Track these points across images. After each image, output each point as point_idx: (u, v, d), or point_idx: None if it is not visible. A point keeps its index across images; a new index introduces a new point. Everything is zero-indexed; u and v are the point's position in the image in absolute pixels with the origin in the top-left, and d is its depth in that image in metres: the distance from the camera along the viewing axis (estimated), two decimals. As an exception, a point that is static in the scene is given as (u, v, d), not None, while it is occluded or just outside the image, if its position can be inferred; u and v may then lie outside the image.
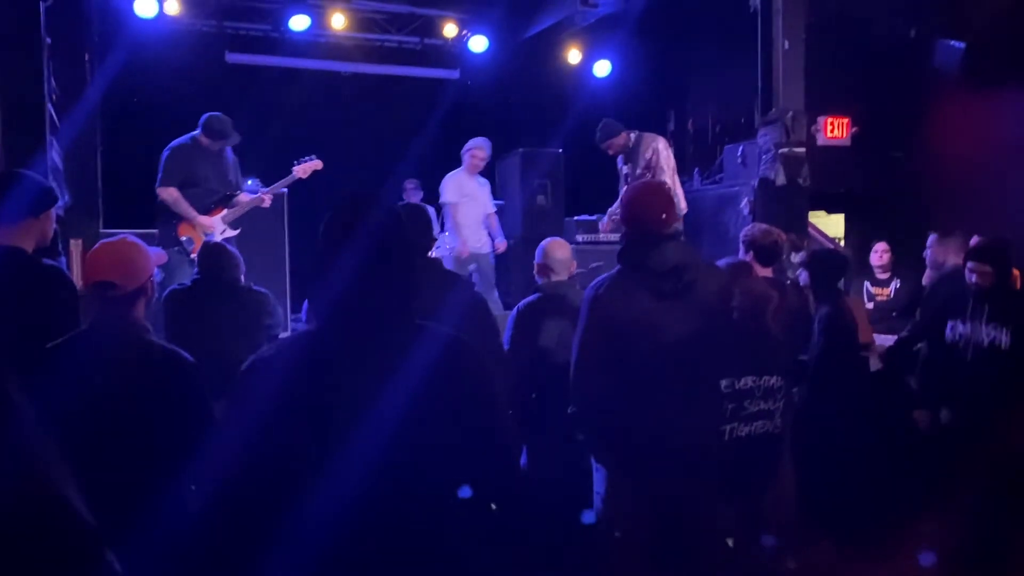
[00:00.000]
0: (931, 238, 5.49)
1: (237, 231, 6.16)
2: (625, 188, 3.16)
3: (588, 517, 3.46)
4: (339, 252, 1.76)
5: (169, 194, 5.89)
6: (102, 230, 6.69)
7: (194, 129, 6.01)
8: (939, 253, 5.40)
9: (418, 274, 1.90)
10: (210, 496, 1.77)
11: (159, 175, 5.93)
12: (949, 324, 4.34)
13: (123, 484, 2.19)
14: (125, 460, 2.34)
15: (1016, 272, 5.76)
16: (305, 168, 6.34)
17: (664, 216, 3.09)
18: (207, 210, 6.02)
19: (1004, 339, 4.11)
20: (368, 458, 1.63)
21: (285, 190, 7.23)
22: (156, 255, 4.91)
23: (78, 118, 6.51)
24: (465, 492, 1.72)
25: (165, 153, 5.96)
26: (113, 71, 7.03)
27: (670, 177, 6.60)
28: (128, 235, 2.75)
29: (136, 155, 6.98)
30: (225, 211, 6.11)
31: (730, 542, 3.36)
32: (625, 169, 6.91)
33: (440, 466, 1.70)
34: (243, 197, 6.22)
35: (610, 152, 6.98)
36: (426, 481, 1.69)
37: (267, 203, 6.31)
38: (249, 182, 7.36)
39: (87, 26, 7.06)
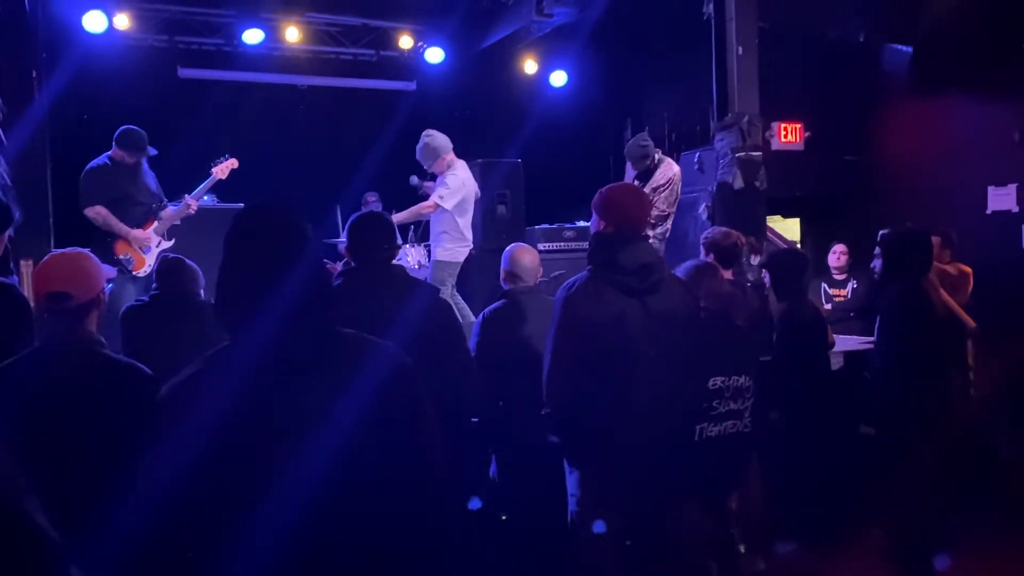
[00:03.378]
0: None
1: (171, 242, 6.09)
2: (606, 187, 3.21)
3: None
4: (240, 264, 1.71)
5: (97, 212, 5.81)
6: (53, 249, 6.52)
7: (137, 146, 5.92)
8: None
9: (328, 277, 1.88)
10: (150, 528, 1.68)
11: (81, 197, 5.86)
12: None
13: (82, 501, 2.12)
14: (84, 476, 2.27)
15: (967, 269, 5.91)
16: (223, 168, 6.32)
17: (644, 218, 3.18)
18: (139, 224, 5.93)
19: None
20: (298, 475, 1.58)
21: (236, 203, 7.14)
22: (106, 270, 4.80)
23: (25, 135, 6.34)
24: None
25: (83, 175, 5.90)
26: (61, 87, 6.87)
27: (669, 206, 6.58)
28: (78, 248, 2.68)
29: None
30: (156, 223, 6.03)
31: (701, 542, 3.36)
32: (636, 182, 6.78)
33: (371, 479, 1.65)
34: (169, 209, 6.15)
35: (632, 167, 6.85)
36: (359, 493, 1.64)
37: (193, 209, 6.19)
38: (206, 198, 7.26)
39: (34, 41, 6.90)
